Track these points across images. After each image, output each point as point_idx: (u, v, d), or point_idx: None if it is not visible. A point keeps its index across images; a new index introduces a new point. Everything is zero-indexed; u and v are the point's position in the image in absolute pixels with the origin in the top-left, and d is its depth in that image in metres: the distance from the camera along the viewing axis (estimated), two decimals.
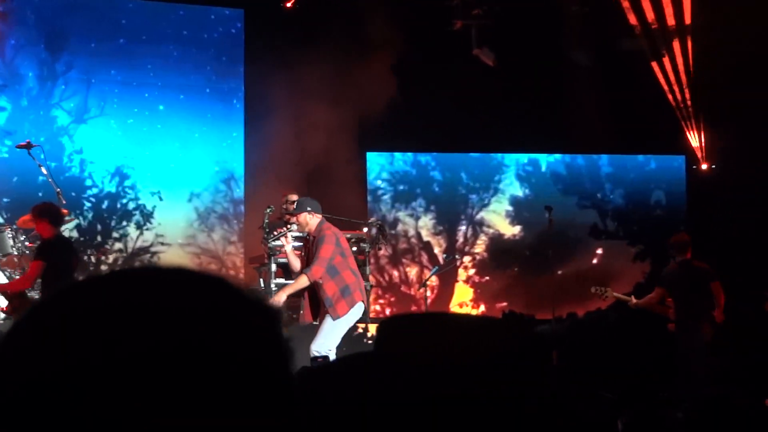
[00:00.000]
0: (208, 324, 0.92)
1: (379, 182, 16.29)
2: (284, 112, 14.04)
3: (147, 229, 14.77)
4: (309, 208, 9.21)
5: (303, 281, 9.03)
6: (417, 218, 16.46)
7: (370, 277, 15.86)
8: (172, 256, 14.58)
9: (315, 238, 9.12)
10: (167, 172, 14.88)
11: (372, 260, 16.30)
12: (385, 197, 16.36)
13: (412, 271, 16.32)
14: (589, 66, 14.58)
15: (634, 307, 10.52)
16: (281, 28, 14.50)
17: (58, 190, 9.94)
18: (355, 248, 10.62)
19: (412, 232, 16.42)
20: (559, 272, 15.84)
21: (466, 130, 15.64)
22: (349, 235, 10.68)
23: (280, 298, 9.06)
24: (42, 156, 10.27)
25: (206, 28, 15.30)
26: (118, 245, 14.65)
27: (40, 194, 12.92)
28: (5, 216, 13.55)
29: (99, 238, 14.58)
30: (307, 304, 9.33)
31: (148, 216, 14.75)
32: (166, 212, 14.83)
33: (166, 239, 14.80)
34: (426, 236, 16.47)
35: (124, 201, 14.69)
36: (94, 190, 14.59)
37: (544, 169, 16.78)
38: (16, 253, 10.42)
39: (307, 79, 13.88)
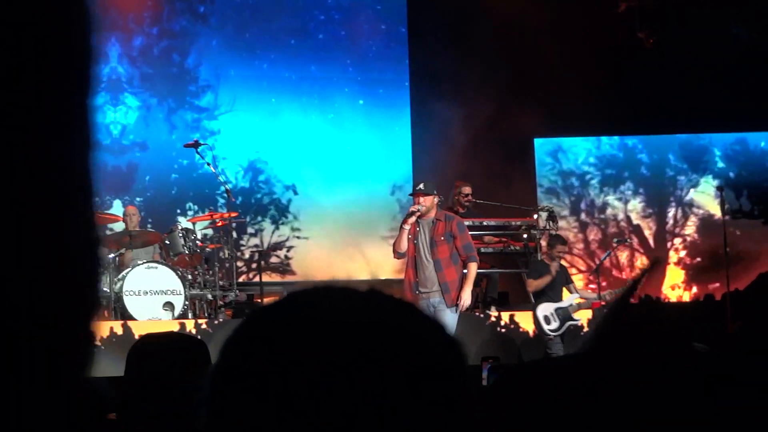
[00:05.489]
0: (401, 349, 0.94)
1: (585, 167, 16.38)
2: (452, 96, 14.04)
3: (301, 225, 15.12)
4: (436, 192, 9.13)
5: (475, 269, 9.07)
6: (626, 202, 16.41)
7: (580, 262, 16.16)
8: (373, 250, 15.09)
9: (442, 223, 8.96)
10: (369, 166, 15.35)
11: (581, 245, 16.50)
12: (593, 182, 16.43)
13: (623, 255, 16.28)
14: (751, 41, 14.02)
15: None
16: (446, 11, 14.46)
17: (228, 187, 10.08)
18: (525, 235, 10.89)
19: (621, 216, 16.40)
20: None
21: (672, 111, 15.43)
22: (519, 222, 10.99)
23: (467, 296, 8.92)
24: (210, 154, 10.59)
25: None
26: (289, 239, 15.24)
27: (173, 191, 13.54)
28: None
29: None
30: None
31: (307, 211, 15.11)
32: (368, 206, 15.26)
33: (302, 233, 15.06)
34: (636, 219, 16.39)
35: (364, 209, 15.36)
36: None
37: (752, 147, 16.30)
38: (187, 252, 10.35)
39: (474, 65, 13.93)
